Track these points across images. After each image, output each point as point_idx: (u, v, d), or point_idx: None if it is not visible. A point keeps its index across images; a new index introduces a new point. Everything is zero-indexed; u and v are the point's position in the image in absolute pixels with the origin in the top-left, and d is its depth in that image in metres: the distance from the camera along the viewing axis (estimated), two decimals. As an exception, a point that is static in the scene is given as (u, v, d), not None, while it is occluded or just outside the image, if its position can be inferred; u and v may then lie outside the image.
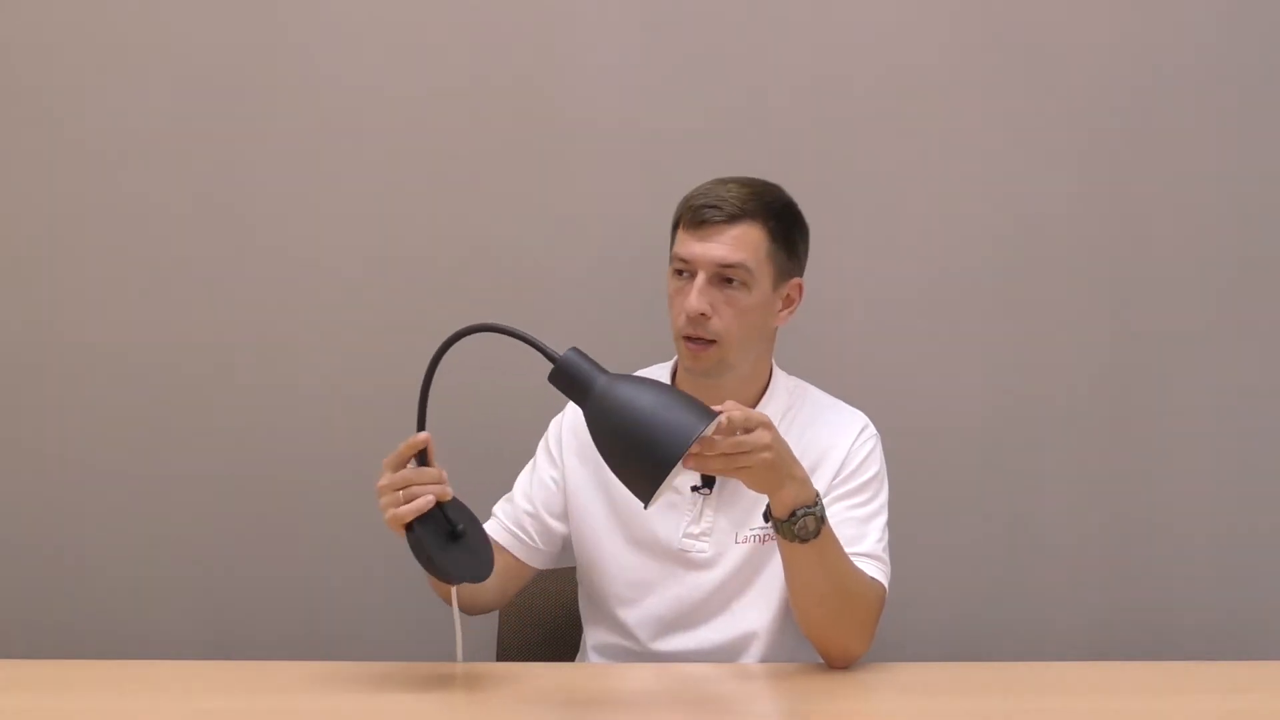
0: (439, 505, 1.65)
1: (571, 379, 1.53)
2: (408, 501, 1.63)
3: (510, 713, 1.64)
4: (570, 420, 1.97)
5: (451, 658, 1.74)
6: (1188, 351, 2.35)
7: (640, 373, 1.99)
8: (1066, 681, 1.77)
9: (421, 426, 1.66)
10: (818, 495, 1.70)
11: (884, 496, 1.89)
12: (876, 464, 1.90)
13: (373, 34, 2.32)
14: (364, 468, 2.30)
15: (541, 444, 1.99)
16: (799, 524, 1.67)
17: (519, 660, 2.03)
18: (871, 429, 1.93)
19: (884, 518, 1.88)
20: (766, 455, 1.61)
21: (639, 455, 1.47)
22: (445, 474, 1.67)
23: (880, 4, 2.33)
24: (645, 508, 1.50)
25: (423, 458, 1.66)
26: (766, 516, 1.72)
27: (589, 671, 1.86)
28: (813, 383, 1.99)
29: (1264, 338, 2.36)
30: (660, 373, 1.98)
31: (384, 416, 2.32)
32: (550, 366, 1.58)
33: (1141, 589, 2.36)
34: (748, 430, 1.61)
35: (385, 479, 1.66)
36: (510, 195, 2.33)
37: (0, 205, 2.33)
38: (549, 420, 2.01)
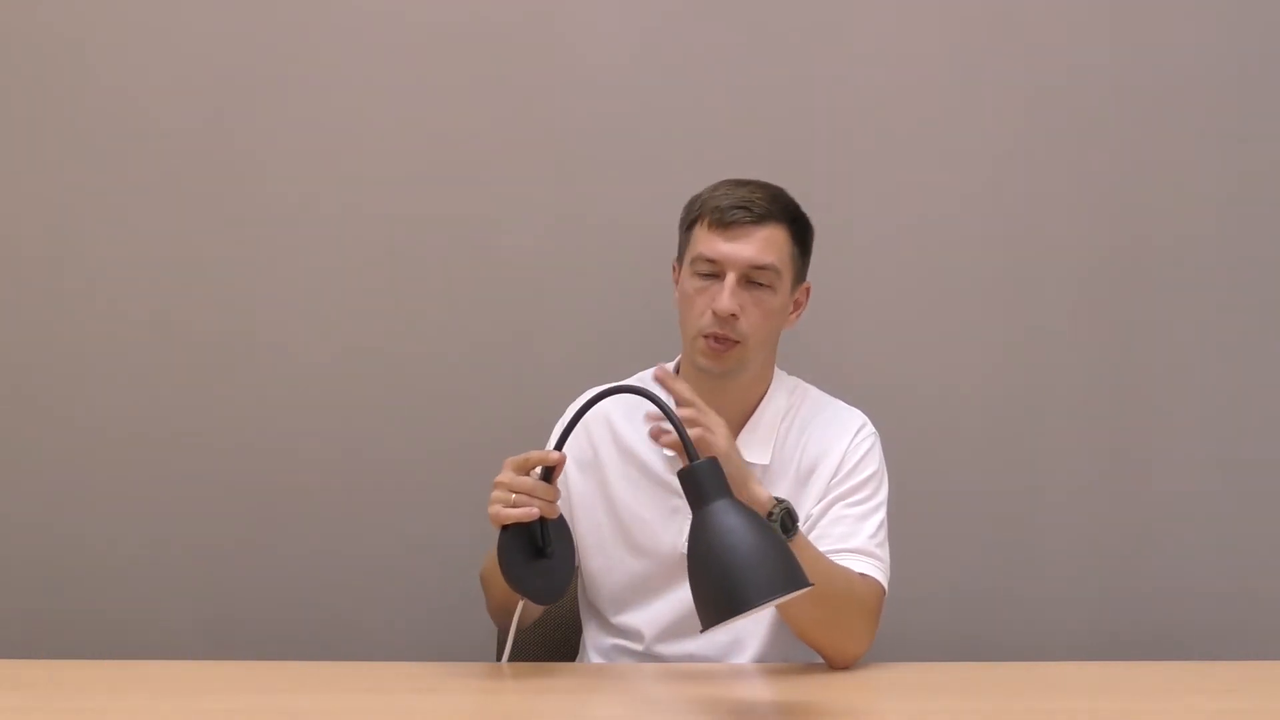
0: (541, 521, 1.69)
1: (697, 484, 1.54)
2: (515, 506, 1.67)
3: (511, 712, 1.64)
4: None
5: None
6: (1189, 352, 2.35)
7: (636, 378, 1.99)
8: (1066, 681, 1.77)
9: (560, 447, 1.70)
10: (776, 500, 1.71)
11: (882, 495, 1.89)
12: (874, 463, 1.90)
13: (375, 34, 2.32)
14: (365, 467, 2.33)
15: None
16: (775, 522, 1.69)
17: (519, 660, 2.03)
18: (869, 428, 1.92)
19: (881, 516, 1.87)
20: (719, 441, 1.67)
21: (717, 586, 1.48)
22: (560, 494, 1.73)
23: (882, 4, 2.33)
24: (701, 631, 1.51)
25: (547, 474, 1.70)
26: None
27: (589, 671, 1.86)
28: (814, 382, 1.99)
29: (1264, 336, 2.36)
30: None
31: (386, 416, 2.33)
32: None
33: (1142, 589, 2.36)
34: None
35: (505, 476, 1.69)
36: (511, 196, 2.33)
37: (4, 204, 2.33)
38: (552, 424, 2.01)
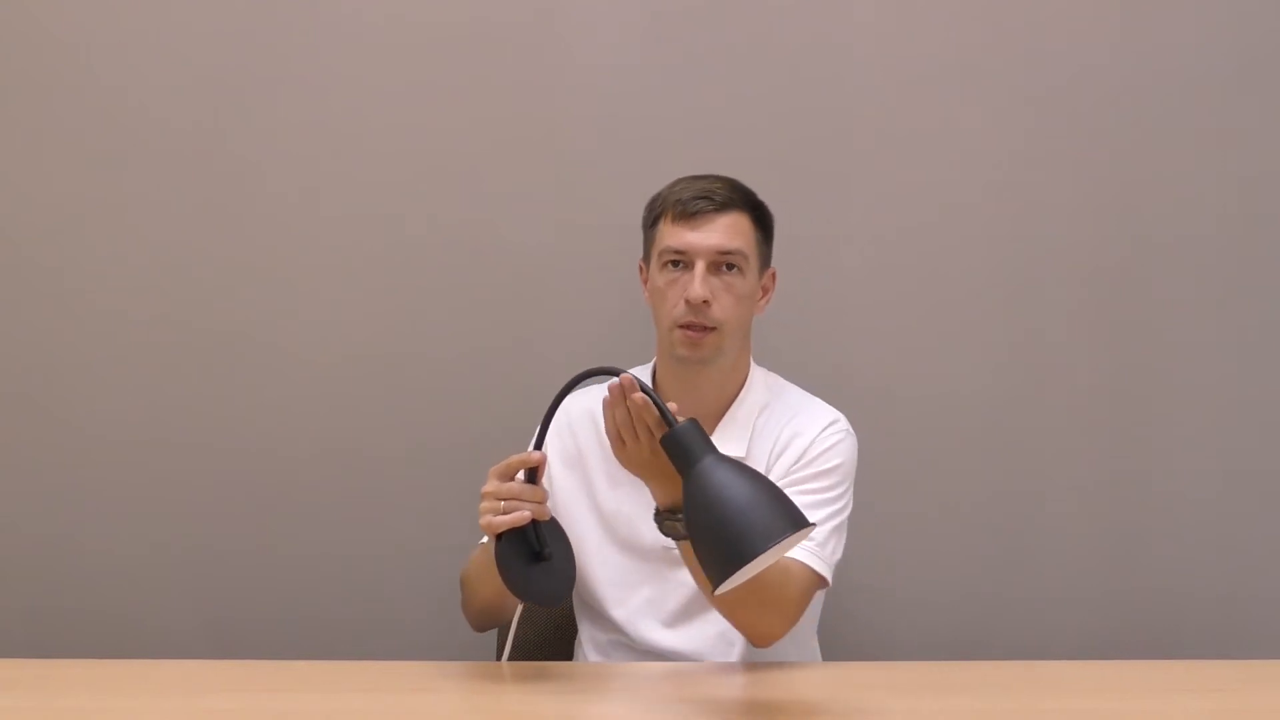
0: (533, 524, 1.68)
1: (682, 447, 1.54)
2: (506, 513, 1.65)
3: (510, 712, 1.64)
4: (556, 424, 1.94)
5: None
6: (1188, 351, 2.35)
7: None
8: (1066, 681, 1.77)
9: (539, 447, 1.69)
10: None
11: (841, 490, 1.88)
12: (839, 458, 1.89)
13: (374, 34, 2.32)
14: (365, 467, 2.33)
15: None
16: (666, 525, 1.69)
17: (518, 659, 2.03)
18: (844, 425, 1.92)
19: (835, 509, 1.86)
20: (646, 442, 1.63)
21: (720, 541, 1.48)
22: (548, 495, 1.72)
23: (882, 6, 2.33)
24: (714, 592, 1.50)
25: (532, 476, 1.69)
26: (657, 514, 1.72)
27: (588, 671, 1.86)
28: (813, 384, 2.00)
29: (1264, 337, 2.36)
30: (640, 374, 1.96)
31: (386, 416, 2.33)
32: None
33: (1142, 589, 2.36)
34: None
35: (491, 485, 1.68)
36: (511, 196, 2.33)
37: (3, 204, 2.33)
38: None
